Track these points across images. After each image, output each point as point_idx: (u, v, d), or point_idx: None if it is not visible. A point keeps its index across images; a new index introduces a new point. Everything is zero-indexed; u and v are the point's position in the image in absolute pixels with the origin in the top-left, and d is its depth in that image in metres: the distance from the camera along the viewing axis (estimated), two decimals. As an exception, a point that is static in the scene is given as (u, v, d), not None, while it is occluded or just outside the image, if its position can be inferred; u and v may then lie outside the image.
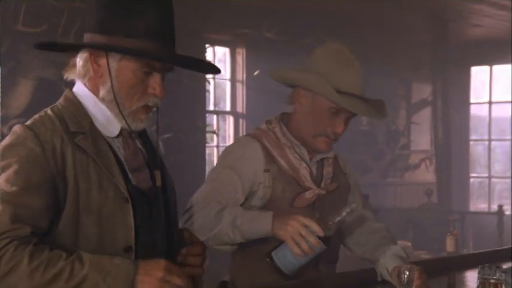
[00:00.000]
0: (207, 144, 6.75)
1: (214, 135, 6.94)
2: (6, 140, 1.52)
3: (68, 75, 1.62)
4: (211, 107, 6.94)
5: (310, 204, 2.06)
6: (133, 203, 1.57)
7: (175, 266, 1.51)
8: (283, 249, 1.87)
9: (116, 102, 1.56)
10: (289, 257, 1.86)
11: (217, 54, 7.00)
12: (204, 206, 1.96)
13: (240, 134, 7.07)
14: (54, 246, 1.47)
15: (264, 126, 2.13)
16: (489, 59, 8.76)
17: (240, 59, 7.03)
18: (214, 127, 6.94)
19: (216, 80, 6.99)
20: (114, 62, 1.56)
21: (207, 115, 6.77)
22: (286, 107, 2.15)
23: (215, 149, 7.01)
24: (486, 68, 9.20)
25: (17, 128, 1.53)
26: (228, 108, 7.11)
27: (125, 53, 1.54)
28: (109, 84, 1.56)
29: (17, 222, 1.42)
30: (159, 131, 1.71)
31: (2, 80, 4.96)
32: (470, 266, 2.32)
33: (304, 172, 2.06)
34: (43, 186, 1.47)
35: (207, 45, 6.64)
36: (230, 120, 7.12)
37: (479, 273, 1.89)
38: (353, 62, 2.05)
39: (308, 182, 2.06)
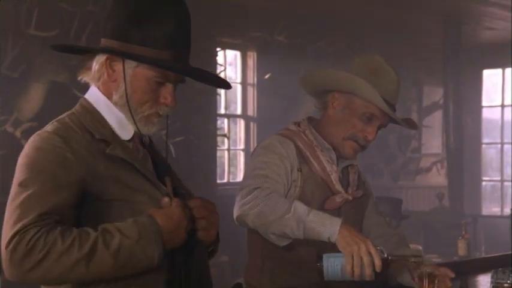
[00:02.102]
0: (218, 148, 6.76)
1: (225, 139, 6.95)
2: (35, 143, 1.53)
3: (82, 77, 1.65)
4: (222, 111, 6.95)
5: (336, 209, 2.07)
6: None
7: (183, 202, 1.54)
8: (337, 259, 1.83)
9: (128, 107, 1.58)
10: (337, 269, 1.83)
11: (228, 58, 7.01)
12: (267, 193, 1.90)
13: (251, 137, 7.07)
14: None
15: (293, 127, 2.13)
16: (502, 62, 8.71)
17: (251, 62, 7.04)
18: (225, 130, 6.95)
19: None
20: (130, 68, 1.58)
21: (218, 118, 6.78)
22: (318, 111, 2.16)
23: (226, 152, 7.02)
24: (499, 71, 9.16)
25: (44, 134, 1.54)
26: (239, 111, 7.11)
27: (142, 61, 1.56)
28: (122, 89, 1.58)
29: (44, 215, 1.44)
30: (168, 135, 1.71)
31: (14, 83, 4.99)
32: (482, 270, 2.30)
33: (334, 176, 2.07)
34: (74, 188, 1.49)
35: (218, 49, 6.65)
36: (241, 123, 7.13)
37: (492, 277, 1.88)
38: (391, 72, 2.07)
39: (338, 186, 2.08)
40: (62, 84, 5.10)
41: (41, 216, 1.44)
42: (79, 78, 1.65)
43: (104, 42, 1.61)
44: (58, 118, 1.60)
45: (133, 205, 1.53)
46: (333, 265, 1.83)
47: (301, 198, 2.01)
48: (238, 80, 7.09)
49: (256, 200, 1.90)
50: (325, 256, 1.84)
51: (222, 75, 6.76)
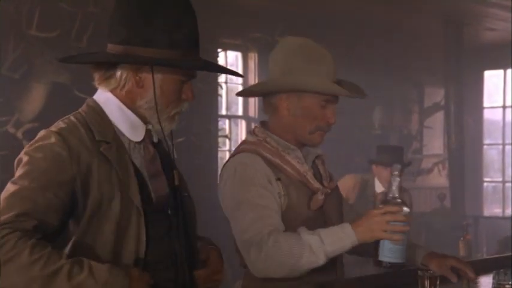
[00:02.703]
0: (219, 149, 6.76)
1: (227, 140, 6.95)
2: (34, 141, 1.54)
3: (103, 87, 1.62)
4: (223, 112, 6.95)
5: (320, 206, 2.06)
6: (151, 215, 1.58)
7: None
8: (384, 246, 1.87)
9: (156, 110, 1.59)
10: (394, 248, 1.86)
11: (229, 59, 7.01)
12: (273, 240, 1.88)
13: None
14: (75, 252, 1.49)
15: (251, 138, 2.08)
16: (503, 63, 8.70)
17: (252, 63, 7.04)
18: (227, 131, 6.95)
19: (228, 85, 7.00)
20: (160, 73, 1.59)
21: (219, 119, 6.78)
22: (266, 114, 2.13)
23: (227, 153, 7.02)
24: (500, 72, 9.15)
25: (45, 132, 1.55)
26: (240, 112, 7.11)
27: (176, 66, 1.58)
28: (150, 93, 1.59)
29: (22, 216, 1.43)
30: (173, 135, 1.72)
31: (15, 84, 4.99)
32: (483, 271, 2.30)
33: (309, 174, 2.06)
34: (62, 189, 1.49)
35: (219, 50, 6.65)
36: (242, 124, 7.13)
37: (494, 278, 1.88)
38: (323, 52, 2.07)
39: (316, 183, 2.07)
40: (63, 85, 5.10)
41: (19, 216, 1.42)
42: (97, 85, 1.63)
43: (122, 49, 1.59)
44: (65, 117, 1.60)
45: (110, 212, 1.53)
46: (390, 251, 1.86)
47: (290, 205, 2.00)
48: (240, 81, 7.09)
49: (266, 253, 1.88)
50: (380, 257, 1.87)
51: (223, 76, 6.77)
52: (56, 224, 1.49)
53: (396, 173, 1.89)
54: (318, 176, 2.12)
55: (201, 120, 6.25)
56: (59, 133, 1.53)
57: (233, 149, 7.46)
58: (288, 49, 2.10)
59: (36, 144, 1.53)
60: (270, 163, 2.02)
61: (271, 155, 2.03)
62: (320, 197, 2.05)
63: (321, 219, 2.03)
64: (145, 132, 1.65)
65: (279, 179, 2.01)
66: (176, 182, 1.66)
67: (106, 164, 1.54)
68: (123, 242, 1.54)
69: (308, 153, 2.12)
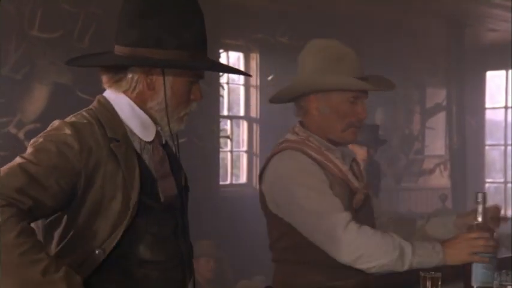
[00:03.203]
0: (220, 149, 6.76)
1: (228, 140, 6.95)
2: (49, 130, 1.56)
3: (113, 89, 1.63)
4: (225, 112, 6.95)
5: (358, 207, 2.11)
6: (159, 215, 1.60)
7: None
8: (478, 271, 1.92)
9: (166, 111, 1.60)
10: (487, 273, 1.91)
11: (231, 59, 7.01)
12: (362, 231, 1.92)
13: (254, 139, 7.07)
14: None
15: (293, 137, 2.10)
16: (505, 63, 8.69)
17: (254, 64, 7.04)
18: (228, 132, 6.95)
19: (230, 85, 7.00)
20: (170, 75, 1.60)
21: (221, 120, 6.78)
22: (297, 117, 2.16)
23: (229, 154, 7.02)
24: (502, 72, 9.14)
25: (59, 123, 1.56)
26: (241, 113, 7.11)
27: (186, 68, 1.59)
28: (161, 95, 1.60)
29: (22, 193, 1.43)
30: (178, 136, 1.72)
31: (17, 85, 5.00)
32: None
33: (350, 174, 2.09)
34: (65, 178, 1.49)
35: (221, 50, 6.65)
36: (244, 125, 7.12)
37: (495, 279, 1.88)
38: (345, 50, 2.10)
39: (356, 183, 2.10)
40: (65, 86, 5.10)
41: (18, 191, 1.42)
42: (110, 91, 1.63)
43: (132, 51, 1.59)
44: (77, 113, 1.61)
45: (109, 212, 1.53)
46: (482, 275, 1.92)
47: None
48: (241, 81, 7.09)
49: (358, 240, 1.92)
50: (473, 283, 1.91)
51: (224, 76, 6.78)
52: (48, 209, 1.49)
53: (480, 200, 1.97)
54: (355, 177, 2.15)
55: (203, 121, 6.25)
56: (73, 125, 1.54)
57: (234, 149, 7.50)
58: (311, 51, 2.13)
59: (51, 132, 1.54)
60: (315, 161, 2.04)
61: (316, 153, 2.05)
62: (361, 196, 2.09)
63: (360, 219, 2.04)
64: (155, 133, 1.65)
65: (326, 176, 2.04)
66: (183, 183, 1.68)
67: (114, 162, 1.54)
68: (115, 239, 1.54)
69: (345, 155, 2.15)
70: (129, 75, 1.60)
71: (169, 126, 1.62)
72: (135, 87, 1.60)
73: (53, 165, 1.48)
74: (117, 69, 1.61)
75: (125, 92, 1.62)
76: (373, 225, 2.10)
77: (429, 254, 1.92)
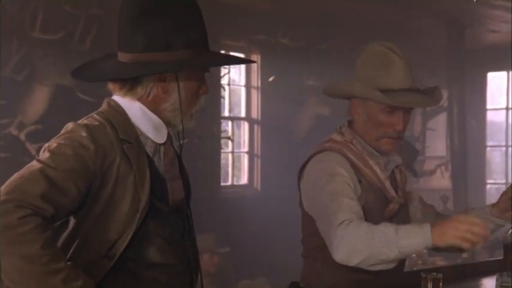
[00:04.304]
0: (222, 150, 6.76)
1: (229, 141, 6.95)
2: (64, 132, 1.55)
3: (128, 97, 1.62)
4: (226, 113, 6.95)
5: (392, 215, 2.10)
6: (168, 217, 1.61)
7: None
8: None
9: (180, 111, 1.61)
10: None
11: (232, 61, 7.00)
12: (350, 227, 1.89)
13: (255, 140, 7.07)
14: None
15: (338, 137, 2.12)
16: (506, 64, 8.69)
17: (255, 65, 7.04)
18: (229, 133, 6.95)
19: (231, 86, 7.00)
20: (183, 75, 1.61)
21: (222, 121, 6.78)
22: (348, 117, 2.18)
23: (230, 155, 7.02)
24: (503, 73, 9.14)
25: (74, 125, 1.56)
26: (243, 114, 7.12)
27: (200, 65, 1.62)
28: (174, 96, 1.61)
29: (45, 200, 1.44)
30: (184, 136, 1.72)
31: (18, 86, 5.00)
32: (487, 273, 2.29)
33: (387, 182, 2.09)
34: (82, 180, 1.50)
35: (222, 51, 6.65)
36: (245, 126, 7.13)
37: (497, 280, 1.88)
38: (393, 59, 2.09)
39: (392, 192, 2.10)
40: (66, 87, 5.10)
41: (42, 198, 1.43)
42: (126, 99, 1.62)
43: (137, 57, 1.58)
44: (88, 115, 1.61)
45: (117, 212, 1.54)
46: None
47: (365, 208, 2.01)
48: (242, 82, 7.09)
49: (347, 237, 1.88)
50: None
51: (225, 78, 6.78)
52: (66, 213, 1.51)
53: None
54: (394, 185, 2.14)
55: (204, 122, 6.25)
56: (87, 127, 1.54)
57: (236, 150, 7.51)
58: (363, 56, 2.14)
59: (66, 135, 1.53)
60: (353, 165, 2.05)
61: (355, 157, 2.07)
62: (395, 206, 2.08)
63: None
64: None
65: (360, 181, 2.04)
66: (188, 187, 1.69)
67: (127, 164, 1.55)
68: (124, 242, 1.55)
69: (389, 161, 2.15)
70: (144, 83, 1.60)
71: (182, 124, 1.63)
72: (149, 92, 1.60)
73: (71, 169, 1.48)
74: (130, 80, 1.60)
75: (139, 99, 1.61)
76: None
77: (414, 233, 1.83)
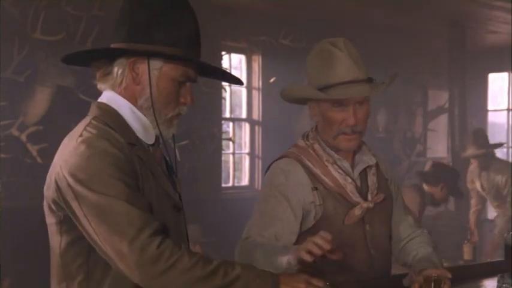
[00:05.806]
0: (223, 152, 6.76)
1: (230, 143, 6.95)
2: (83, 153, 1.49)
3: (101, 85, 1.62)
4: (227, 114, 6.96)
5: (360, 221, 2.05)
6: (172, 220, 1.61)
7: (314, 279, 1.56)
8: None
9: (153, 110, 1.58)
10: None
11: (233, 62, 7.02)
12: (248, 248, 1.93)
13: (256, 141, 7.07)
14: None
15: (301, 142, 2.11)
16: (507, 65, 8.69)
17: (256, 66, 7.04)
18: (230, 134, 6.95)
19: (232, 87, 7.00)
20: (155, 69, 1.58)
21: (223, 122, 6.79)
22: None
23: (231, 156, 7.02)
24: (504, 74, 9.14)
25: (88, 140, 1.50)
26: (244, 115, 7.12)
27: (172, 58, 1.56)
28: (148, 91, 1.58)
29: (148, 215, 1.46)
30: (175, 139, 1.72)
31: (20, 87, 5.01)
32: (488, 275, 2.29)
33: (350, 187, 2.05)
34: (138, 186, 1.52)
35: (223, 52, 6.65)
36: (246, 127, 7.13)
37: (498, 281, 1.88)
38: (334, 54, 2.06)
39: (356, 197, 2.05)
40: (67, 88, 5.11)
41: (156, 222, 1.45)
42: (98, 86, 1.62)
43: (121, 46, 1.59)
44: (86, 125, 1.55)
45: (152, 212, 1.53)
46: None
47: (325, 215, 2.00)
48: (243, 84, 7.09)
49: (242, 249, 1.96)
50: None
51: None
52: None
53: None
54: (364, 188, 2.09)
55: (205, 123, 6.25)
56: (101, 136, 1.51)
57: (236, 152, 7.50)
58: (309, 56, 2.14)
59: (88, 154, 1.48)
60: (309, 172, 2.03)
61: (313, 164, 2.05)
62: (357, 212, 2.03)
63: (359, 233, 2.03)
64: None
65: (316, 189, 2.01)
66: (179, 190, 1.66)
67: (142, 166, 1.55)
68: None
69: (357, 163, 2.11)
70: (115, 68, 1.59)
71: (158, 128, 1.59)
72: (121, 81, 1.58)
73: (127, 184, 1.47)
74: (105, 64, 1.61)
75: (114, 88, 1.60)
76: (378, 246, 2.06)
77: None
